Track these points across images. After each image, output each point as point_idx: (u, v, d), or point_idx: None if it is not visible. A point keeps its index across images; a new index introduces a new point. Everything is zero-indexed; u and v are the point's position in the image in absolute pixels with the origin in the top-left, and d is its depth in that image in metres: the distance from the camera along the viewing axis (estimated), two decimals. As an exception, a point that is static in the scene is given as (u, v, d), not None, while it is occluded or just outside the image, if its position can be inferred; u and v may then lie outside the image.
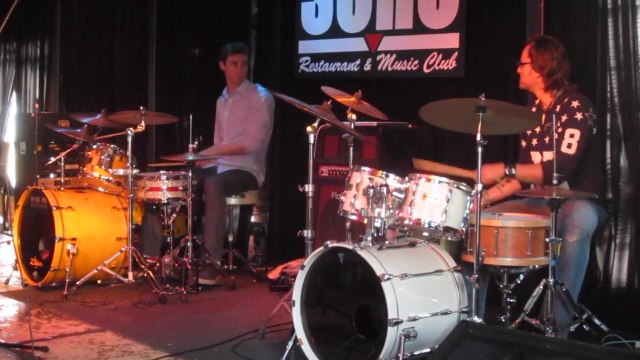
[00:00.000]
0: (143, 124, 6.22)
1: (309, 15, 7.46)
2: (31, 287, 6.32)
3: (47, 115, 8.15)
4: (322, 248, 4.28)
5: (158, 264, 6.36)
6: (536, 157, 5.10)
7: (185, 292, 6.02)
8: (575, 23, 5.57)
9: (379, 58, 6.85)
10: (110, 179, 6.46)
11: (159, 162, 6.83)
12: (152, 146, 8.35)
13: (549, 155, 4.91)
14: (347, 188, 4.62)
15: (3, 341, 4.83)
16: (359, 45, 7.01)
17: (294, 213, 6.63)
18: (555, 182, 4.37)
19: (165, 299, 5.91)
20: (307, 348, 4.33)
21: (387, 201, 4.32)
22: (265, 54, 8.06)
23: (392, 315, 3.92)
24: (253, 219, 7.92)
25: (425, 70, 6.51)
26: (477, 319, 4.21)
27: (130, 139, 6.18)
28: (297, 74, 7.57)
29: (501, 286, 4.54)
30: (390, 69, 6.76)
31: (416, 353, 4.08)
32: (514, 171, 4.87)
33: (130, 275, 6.20)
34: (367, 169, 4.56)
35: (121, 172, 6.37)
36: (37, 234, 6.47)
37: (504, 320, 4.48)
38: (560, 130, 4.85)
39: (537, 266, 4.50)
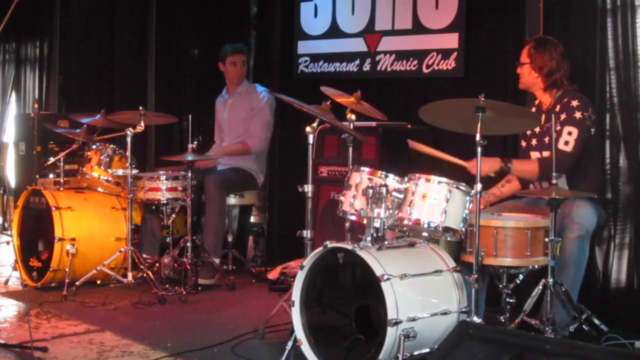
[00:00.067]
0: (142, 124, 6.21)
1: (308, 15, 7.46)
2: (30, 287, 6.32)
3: (46, 115, 8.15)
4: (321, 248, 4.28)
5: (157, 264, 6.37)
6: (535, 156, 5.10)
7: (184, 292, 6.02)
8: (574, 23, 5.57)
9: (378, 58, 6.85)
10: (110, 179, 6.46)
11: (166, 163, 6.83)
12: (151, 146, 8.35)
13: (547, 155, 4.91)
14: (346, 188, 4.62)
15: (2, 341, 4.84)
16: (358, 45, 7.01)
17: (293, 213, 6.64)
18: (554, 181, 4.38)
19: (164, 299, 5.91)
20: (306, 348, 4.33)
21: (386, 201, 4.32)
22: (265, 54, 8.06)
23: (391, 315, 3.92)
24: (252, 219, 7.92)
25: (424, 70, 6.51)
26: (477, 319, 4.22)
27: (129, 139, 6.17)
28: (296, 74, 7.57)
29: (500, 286, 4.54)
30: (389, 69, 6.76)
31: (415, 353, 4.08)
32: (510, 165, 4.86)
33: (130, 275, 6.20)
34: (366, 169, 4.56)
35: (120, 172, 6.37)
36: (36, 234, 6.47)
37: (503, 320, 4.49)
38: (558, 127, 4.86)
39: (536, 266, 4.51)
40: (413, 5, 6.55)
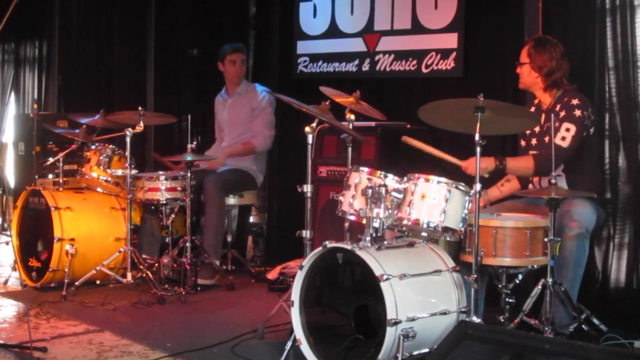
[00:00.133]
0: (141, 124, 6.21)
1: (307, 15, 7.46)
2: (30, 287, 6.32)
3: (46, 116, 8.15)
4: (320, 248, 4.28)
5: (156, 264, 6.37)
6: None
7: (183, 292, 6.03)
8: (573, 23, 5.57)
9: (377, 58, 6.85)
10: (109, 179, 6.46)
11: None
12: (150, 146, 8.34)
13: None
14: (346, 188, 4.62)
15: (2, 341, 4.84)
16: (357, 45, 7.01)
17: (293, 213, 6.63)
18: (553, 181, 4.38)
19: (163, 299, 5.91)
20: (305, 348, 4.33)
21: (386, 201, 4.32)
22: (264, 54, 8.06)
23: (390, 315, 3.92)
24: (251, 219, 7.92)
25: (424, 70, 6.51)
26: (476, 319, 4.22)
27: (128, 139, 6.17)
28: (295, 74, 7.57)
29: (500, 286, 4.55)
30: (388, 69, 6.76)
31: (415, 353, 4.08)
32: (504, 163, 4.85)
33: (129, 275, 6.20)
34: (366, 169, 4.55)
35: (119, 172, 6.37)
36: (35, 234, 6.47)
37: (502, 320, 4.49)
38: (557, 124, 4.86)
39: (535, 266, 4.51)
40: (412, 5, 6.55)
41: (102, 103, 7.94)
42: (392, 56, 6.73)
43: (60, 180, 6.55)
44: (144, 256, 6.42)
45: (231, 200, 6.97)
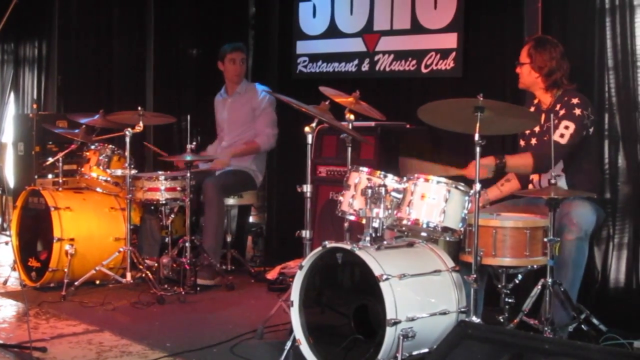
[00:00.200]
0: (141, 124, 6.21)
1: (307, 15, 7.46)
2: (29, 287, 6.32)
3: (45, 116, 8.15)
4: (320, 248, 4.28)
5: (156, 264, 6.37)
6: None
7: (183, 292, 6.03)
8: (572, 23, 5.57)
9: (376, 58, 6.85)
10: (108, 179, 6.46)
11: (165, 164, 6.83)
12: (149, 146, 8.35)
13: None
14: (345, 188, 4.62)
15: (1, 341, 4.84)
16: (357, 45, 7.01)
17: (292, 213, 6.63)
18: (553, 181, 4.38)
19: (163, 299, 5.91)
20: (305, 348, 4.33)
21: (385, 201, 4.32)
22: (263, 54, 8.06)
23: (390, 315, 3.92)
24: (251, 219, 7.92)
25: (423, 70, 6.51)
26: (475, 319, 4.21)
27: (128, 139, 6.17)
28: (294, 74, 7.57)
29: (499, 286, 4.54)
30: (387, 69, 6.76)
31: (414, 353, 4.08)
32: (504, 161, 4.84)
33: (128, 275, 6.19)
34: (365, 169, 4.55)
35: (119, 172, 6.37)
36: (35, 234, 6.46)
37: (502, 320, 4.48)
38: (556, 122, 4.85)
39: (535, 266, 4.51)
40: (412, 5, 6.55)
41: (101, 103, 7.96)
42: (392, 56, 6.73)
43: (60, 180, 6.55)
44: (143, 256, 6.41)
45: (230, 200, 6.97)
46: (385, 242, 4.32)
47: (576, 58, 5.32)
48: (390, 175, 4.49)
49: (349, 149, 5.14)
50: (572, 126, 4.84)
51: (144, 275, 6.11)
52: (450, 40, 6.32)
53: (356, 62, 7.01)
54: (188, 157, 6.12)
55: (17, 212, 6.59)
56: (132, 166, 6.25)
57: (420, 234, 4.43)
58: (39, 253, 6.37)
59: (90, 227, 6.37)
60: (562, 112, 4.90)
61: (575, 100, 4.91)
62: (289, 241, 5.65)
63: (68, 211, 6.26)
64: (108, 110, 6.73)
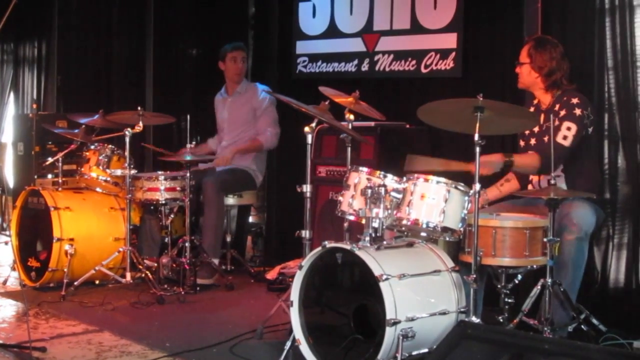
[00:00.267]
0: (141, 124, 6.21)
1: (306, 15, 7.46)
2: (29, 287, 6.32)
3: (45, 116, 8.14)
4: (319, 248, 4.28)
5: (156, 264, 6.36)
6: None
7: (182, 292, 6.03)
8: (572, 23, 5.57)
9: (376, 58, 6.85)
10: (108, 179, 6.46)
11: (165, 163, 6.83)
12: (149, 147, 8.36)
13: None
14: (345, 188, 4.62)
15: (1, 341, 4.84)
16: (357, 45, 7.01)
17: (292, 213, 6.63)
18: (552, 181, 4.39)
19: (162, 299, 5.91)
20: (304, 348, 4.33)
21: (385, 201, 4.32)
22: (263, 54, 8.06)
23: (389, 315, 3.92)
24: (251, 219, 7.92)
25: (423, 70, 6.51)
26: (475, 319, 4.21)
27: (127, 139, 6.17)
28: (294, 74, 7.57)
29: (499, 286, 4.54)
30: (387, 69, 6.76)
31: (414, 353, 4.07)
32: (512, 159, 4.84)
33: (128, 275, 6.19)
34: (365, 169, 4.55)
35: (119, 172, 6.37)
36: (34, 234, 6.47)
37: (501, 320, 4.48)
38: (557, 123, 4.85)
39: (534, 266, 4.51)
40: (411, 5, 6.55)
41: (101, 103, 7.96)
42: (392, 56, 6.73)
43: (60, 180, 6.55)
44: (143, 256, 6.41)
45: (230, 200, 6.97)
46: (385, 242, 4.32)
47: (576, 58, 5.32)
48: (389, 175, 4.49)
49: (349, 149, 5.14)
50: (574, 127, 4.84)
51: (143, 275, 6.11)
52: (450, 41, 6.32)
53: (356, 62, 7.01)
54: (188, 157, 6.12)
55: (17, 212, 6.59)
56: (132, 166, 6.25)
57: (419, 234, 4.43)
58: (38, 253, 6.37)
59: (90, 227, 6.37)
60: (562, 112, 4.90)
61: (575, 100, 4.90)
62: (289, 241, 5.65)
63: (68, 211, 6.27)
64: (108, 110, 6.74)
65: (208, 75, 7.86)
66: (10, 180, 8.67)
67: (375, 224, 4.31)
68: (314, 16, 7.40)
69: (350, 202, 4.55)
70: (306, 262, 4.35)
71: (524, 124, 4.73)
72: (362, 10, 6.96)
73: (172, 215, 6.47)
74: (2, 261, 7.38)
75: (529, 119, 4.70)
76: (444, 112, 4.50)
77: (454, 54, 6.30)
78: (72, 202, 6.35)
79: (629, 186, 5.30)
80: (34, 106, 8.94)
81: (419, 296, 4.15)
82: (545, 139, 4.96)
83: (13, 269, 6.51)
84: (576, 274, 4.72)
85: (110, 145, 6.53)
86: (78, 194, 6.59)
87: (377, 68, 6.84)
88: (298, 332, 4.35)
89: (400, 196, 4.38)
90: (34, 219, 6.45)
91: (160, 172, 6.42)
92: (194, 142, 6.28)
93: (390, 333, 3.91)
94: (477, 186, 4.25)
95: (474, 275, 4.24)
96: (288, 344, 4.44)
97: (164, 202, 6.32)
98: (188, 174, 6.19)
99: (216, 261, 6.54)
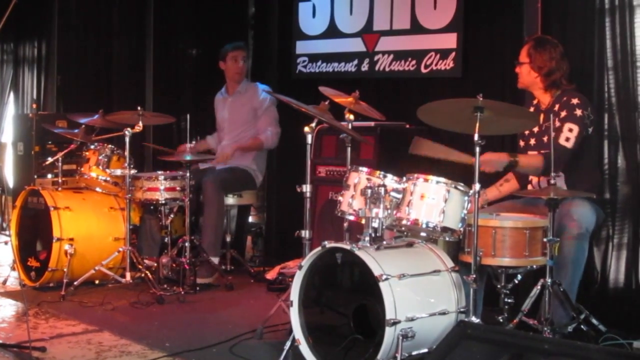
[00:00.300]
0: (140, 124, 6.21)
1: (306, 15, 7.46)
2: (28, 287, 6.32)
3: (45, 116, 8.14)
4: (319, 248, 4.28)
5: (155, 264, 6.36)
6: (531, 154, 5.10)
7: (182, 292, 6.03)
8: (572, 23, 5.57)
9: (376, 58, 6.85)
10: (108, 179, 6.46)
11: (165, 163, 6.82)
12: (149, 146, 8.35)
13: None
14: (345, 188, 4.62)
15: (1, 341, 4.84)
16: (356, 45, 7.01)
17: (292, 213, 6.63)
18: (552, 181, 4.39)
19: (162, 299, 5.91)
20: (304, 348, 4.33)
21: (385, 201, 4.32)
22: (263, 54, 8.06)
23: (389, 315, 3.92)
24: (250, 219, 7.92)
25: (423, 70, 6.51)
26: (475, 319, 4.21)
27: (127, 139, 6.17)
28: (294, 74, 7.57)
29: (499, 286, 4.54)
30: (387, 69, 6.76)
31: (414, 353, 4.08)
32: (517, 159, 4.83)
33: (128, 275, 6.19)
34: (365, 169, 4.55)
35: (118, 172, 6.37)
36: (34, 234, 6.46)
37: (501, 320, 4.48)
38: (558, 124, 4.85)
39: (534, 266, 4.51)
40: (411, 5, 6.55)
41: (101, 103, 7.95)
42: (391, 56, 6.74)
43: (59, 180, 6.55)
44: (143, 256, 6.41)
45: (230, 200, 6.97)
46: (384, 242, 4.32)
47: (576, 58, 5.33)
48: (389, 175, 4.49)
49: (349, 149, 5.14)
50: (575, 128, 4.84)
51: (143, 275, 6.11)
52: (449, 41, 6.32)
53: (356, 62, 7.01)
54: (187, 157, 6.12)
55: (17, 212, 6.59)
56: (132, 166, 6.25)
57: (419, 234, 4.43)
58: (38, 253, 6.37)
59: (90, 227, 6.37)
60: (563, 113, 4.90)
61: (575, 101, 4.90)
62: (289, 241, 5.65)
63: (67, 211, 6.26)
64: (107, 110, 6.73)
65: (208, 75, 7.86)
66: (10, 180, 8.67)
67: (375, 224, 4.31)
68: (313, 16, 7.40)
69: (350, 202, 4.55)
70: (306, 262, 4.35)
71: (523, 124, 4.73)
72: (362, 10, 6.96)
73: (171, 215, 6.47)
74: (2, 261, 7.37)
75: (529, 119, 4.69)
76: (443, 112, 4.50)
77: (453, 54, 6.30)
78: (71, 202, 6.35)
79: (628, 186, 5.30)
80: (34, 106, 8.93)
81: (419, 296, 4.15)
82: (545, 139, 4.97)
83: (13, 268, 6.51)
84: (576, 273, 4.72)
85: (110, 145, 6.53)
86: (78, 193, 6.59)
87: (377, 68, 6.84)
88: (298, 332, 4.36)
89: (400, 196, 4.38)
90: (34, 218, 6.45)
91: (160, 172, 6.42)
92: (194, 142, 6.28)
93: (390, 333, 3.92)
94: (477, 186, 4.25)
95: (474, 275, 4.24)
96: (288, 344, 4.44)
97: (163, 202, 6.32)
98: (188, 174, 6.19)
99: (216, 260, 6.54)
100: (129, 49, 8.71)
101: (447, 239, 4.41)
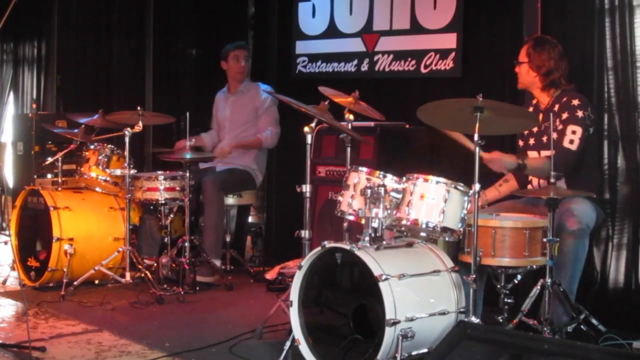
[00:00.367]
0: (140, 124, 6.21)
1: (306, 15, 7.46)
2: (28, 287, 6.32)
3: (44, 115, 8.13)
4: (319, 248, 4.28)
5: (155, 264, 6.36)
6: (533, 156, 5.10)
7: (182, 292, 6.03)
8: (572, 23, 5.57)
9: (376, 58, 6.85)
10: (108, 179, 6.46)
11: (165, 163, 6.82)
12: (149, 146, 8.35)
13: (547, 154, 4.90)
14: (345, 188, 4.62)
15: (0, 341, 4.83)
16: (356, 45, 7.01)
17: (291, 213, 6.63)
18: (552, 180, 4.38)
19: (162, 299, 5.91)
20: (304, 348, 4.33)
21: (385, 201, 4.32)
22: (262, 54, 8.06)
23: (389, 315, 3.92)
24: (250, 219, 7.92)
25: (422, 71, 6.51)
26: (475, 319, 4.21)
27: (127, 139, 6.17)
28: (294, 74, 7.57)
29: (498, 286, 4.54)
30: (387, 69, 6.76)
31: (413, 353, 4.08)
32: (525, 162, 4.82)
33: (128, 275, 6.19)
34: (364, 169, 4.55)
35: (118, 172, 6.36)
36: (34, 234, 6.46)
37: (501, 320, 4.48)
38: (560, 127, 4.86)
39: (534, 266, 4.51)
40: (411, 6, 6.55)
41: (100, 103, 7.95)
42: (391, 56, 6.73)
43: (59, 180, 6.55)
44: (142, 256, 6.41)
45: (230, 200, 6.97)
46: (384, 242, 4.31)
47: (575, 58, 5.33)
48: (389, 175, 4.49)
49: (348, 149, 5.14)
50: (579, 130, 4.84)
51: (143, 275, 6.11)
52: (449, 41, 6.32)
53: (355, 62, 7.01)
54: (187, 155, 6.13)
55: (16, 211, 6.59)
56: (132, 166, 6.25)
57: (419, 234, 4.43)
58: (38, 253, 6.37)
59: (90, 226, 6.37)
60: (564, 115, 4.89)
61: (575, 102, 4.90)
62: (288, 241, 5.64)
63: (67, 211, 6.26)
64: (107, 110, 6.73)
65: (208, 75, 7.86)
66: (9, 180, 8.67)
67: (375, 224, 4.31)
68: (313, 16, 7.40)
69: (350, 202, 4.55)
70: (306, 262, 4.35)
71: (523, 124, 4.73)
72: (361, 10, 6.96)
73: (171, 215, 6.47)
74: (2, 261, 7.37)
75: (529, 119, 4.69)
76: (443, 112, 4.50)
77: (453, 54, 6.30)
78: (71, 202, 6.35)
79: (628, 186, 5.30)
80: (34, 106, 8.92)
81: (419, 296, 4.15)
82: (545, 139, 4.97)
83: (12, 268, 6.51)
84: (576, 270, 4.72)
85: (109, 145, 6.53)
86: (77, 193, 6.59)
87: (376, 68, 6.84)
88: (297, 332, 4.35)
89: (399, 196, 4.38)
90: (34, 218, 6.45)
91: (159, 172, 6.41)
92: (193, 140, 6.28)
93: (389, 333, 3.91)
94: (477, 186, 4.25)
95: (474, 276, 4.24)
96: (287, 344, 4.44)
97: (163, 201, 6.31)
98: (188, 174, 6.19)
99: (217, 262, 6.55)
100: (128, 49, 8.71)
101: (446, 239, 4.41)
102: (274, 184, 7.85)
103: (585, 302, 4.81)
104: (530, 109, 5.14)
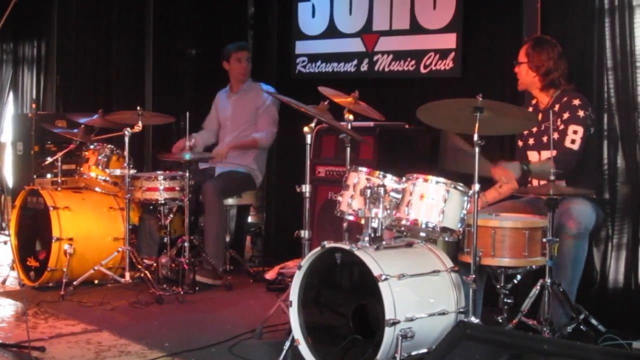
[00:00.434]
0: (140, 124, 6.21)
1: (306, 15, 7.46)
2: (28, 286, 6.31)
3: (44, 115, 8.13)
4: (319, 248, 4.27)
5: (155, 264, 6.36)
6: (533, 156, 5.11)
7: (182, 292, 6.03)
8: (572, 23, 5.57)
9: (375, 58, 6.85)
10: (107, 179, 6.45)
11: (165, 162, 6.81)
12: (148, 146, 8.35)
13: (547, 154, 4.90)
14: (344, 188, 4.62)
15: (0, 341, 4.83)
16: (356, 45, 7.01)
17: (291, 213, 6.62)
18: (552, 177, 4.38)
19: (161, 299, 5.91)
20: (304, 348, 4.32)
21: (384, 201, 4.31)
22: (262, 54, 8.06)
23: (389, 315, 3.92)
24: (250, 219, 7.92)
25: (422, 71, 6.51)
26: (474, 319, 4.21)
27: (127, 139, 6.17)
28: (293, 74, 7.57)
29: (498, 286, 4.54)
30: (387, 69, 6.76)
31: (413, 353, 4.08)
32: (530, 168, 4.83)
33: (127, 275, 6.19)
34: (364, 169, 4.55)
35: (118, 172, 6.36)
36: (33, 234, 6.46)
37: (500, 321, 4.48)
38: (561, 127, 4.86)
39: (534, 266, 4.51)
40: (411, 6, 6.55)
41: (100, 103, 7.96)
42: (391, 56, 6.73)
43: (59, 180, 6.55)
44: (142, 256, 6.41)
45: (229, 200, 6.97)
46: (384, 242, 4.31)
47: (575, 58, 5.33)
48: (389, 176, 4.49)
49: (348, 149, 5.14)
50: (580, 130, 4.84)
51: (142, 275, 6.11)
52: (449, 41, 6.32)
53: (355, 62, 7.01)
54: (187, 156, 6.12)
55: (16, 211, 6.59)
56: (131, 166, 6.25)
57: (419, 234, 4.42)
58: (37, 253, 6.37)
59: (89, 226, 6.36)
60: (565, 115, 4.89)
61: (576, 102, 4.91)
62: (288, 241, 5.64)
63: (67, 211, 6.26)
64: (107, 110, 6.73)
65: (207, 75, 7.85)
66: (9, 179, 8.67)
67: (375, 224, 4.31)
68: (313, 16, 7.40)
69: (350, 202, 4.55)
70: (305, 262, 4.35)
71: (523, 124, 4.73)
72: (361, 11, 6.96)
73: (171, 215, 6.46)
74: (1, 261, 7.36)
75: (529, 119, 4.70)
76: (443, 112, 4.50)
77: (453, 54, 6.30)
78: (71, 202, 6.35)
79: (628, 186, 5.30)
80: (33, 106, 8.92)
81: (418, 296, 4.15)
82: (544, 139, 4.97)
83: (12, 268, 6.52)
84: (576, 272, 4.73)
85: (109, 145, 6.52)
86: (77, 193, 6.59)
87: (376, 68, 6.84)
88: (297, 332, 4.35)
89: (399, 196, 4.38)
90: (33, 218, 6.45)
91: (159, 172, 6.42)
92: (193, 140, 6.27)
93: (389, 333, 3.91)
94: (477, 186, 4.25)
95: (473, 276, 4.24)
96: (287, 344, 4.44)
97: (163, 201, 6.31)
98: (187, 174, 6.19)
99: (219, 265, 6.55)
100: (128, 49, 8.71)
101: (446, 239, 4.41)
102: (274, 184, 7.85)
103: (584, 302, 4.81)
104: (530, 109, 5.14)
